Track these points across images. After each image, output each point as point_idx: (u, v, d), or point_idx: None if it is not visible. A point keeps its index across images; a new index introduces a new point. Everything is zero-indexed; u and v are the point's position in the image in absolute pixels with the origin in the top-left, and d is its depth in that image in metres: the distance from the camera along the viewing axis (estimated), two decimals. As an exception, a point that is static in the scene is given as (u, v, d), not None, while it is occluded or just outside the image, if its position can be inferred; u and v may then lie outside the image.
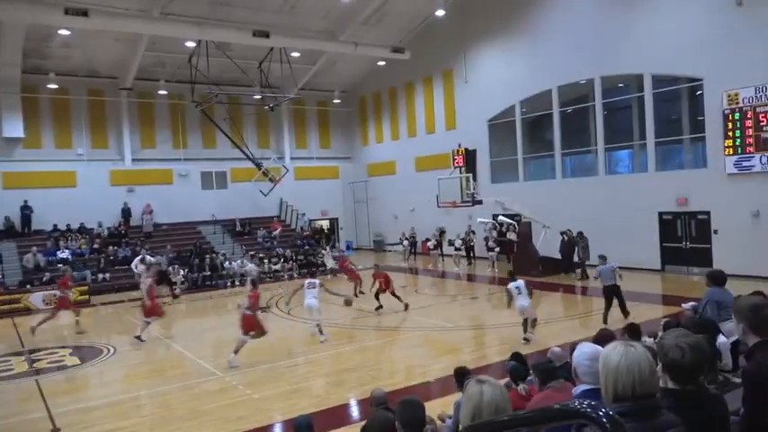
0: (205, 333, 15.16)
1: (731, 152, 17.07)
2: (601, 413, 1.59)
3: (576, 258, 19.78)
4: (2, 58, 22.24)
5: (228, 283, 22.56)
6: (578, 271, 19.71)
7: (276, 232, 27.03)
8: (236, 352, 10.98)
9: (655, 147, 19.44)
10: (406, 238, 26.79)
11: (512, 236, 23.06)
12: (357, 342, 12.81)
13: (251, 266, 19.79)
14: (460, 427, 2.36)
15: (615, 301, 12.89)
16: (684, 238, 18.88)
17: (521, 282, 11.80)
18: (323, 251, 25.86)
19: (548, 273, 19.50)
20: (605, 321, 12.32)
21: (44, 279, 20.45)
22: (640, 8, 19.13)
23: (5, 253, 22.07)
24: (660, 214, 19.27)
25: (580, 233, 19.33)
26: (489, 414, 2.24)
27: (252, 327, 11.31)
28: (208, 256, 23.29)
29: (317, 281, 13.58)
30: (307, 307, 13.14)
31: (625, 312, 12.80)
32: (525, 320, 11.76)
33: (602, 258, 13.46)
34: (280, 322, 15.44)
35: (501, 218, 22.18)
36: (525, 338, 11.50)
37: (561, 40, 21.57)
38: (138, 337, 13.31)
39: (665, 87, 19.46)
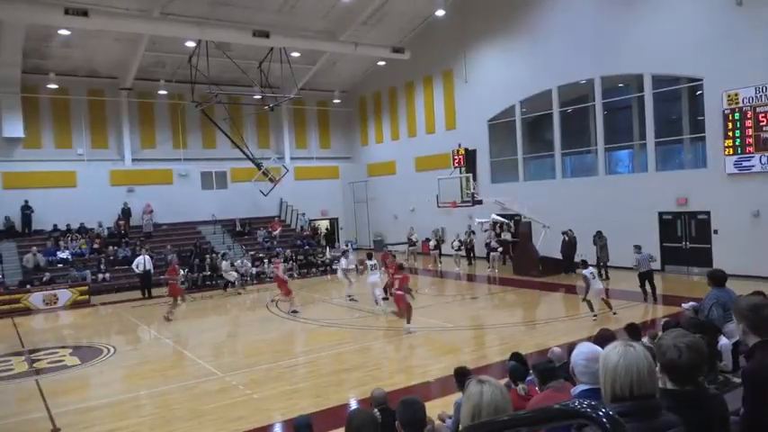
0: (205, 333, 15.16)
1: (731, 152, 17.07)
2: (601, 413, 1.59)
3: (577, 258, 19.78)
4: (2, 58, 22.24)
5: (228, 284, 22.55)
6: (576, 270, 19.70)
7: (276, 232, 27.03)
8: (408, 321, 13.09)
9: (655, 147, 19.44)
10: (412, 236, 26.74)
11: (506, 236, 23.04)
12: (357, 342, 12.81)
13: (351, 258, 19.89)
14: (460, 427, 2.36)
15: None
16: (684, 238, 18.88)
17: (591, 268, 13.24)
18: (344, 246, 25.48)
19: (548, 273, 19.51)
20: (646, 300, 14.68)
21: (44, 279, 20.44)
22: (640, 8, 19.14)
23: (5, 253, 22.08)
24: (660, 214, 19.27)
25: (599, 233, 18.97)
26: (489, 414, 2.24)
27: (400, 303, 13.45)
28: (208, 256, 23.29)
29: (376, 261, 16.04)
30: (369, 283, 15.73)
31: (654, 296, 14.77)
32: (589, 301, 13.13)
33: (638, 248, 15.15)
34: (280, 322, 15.46)
35: (494, 216, 22.18)
36: (595, 316, 12.98)
37: (561, 40, 21.58)
38: (295, 311, 16.04)
39: (665, 87, 19.46)
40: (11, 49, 21.89)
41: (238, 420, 8.18)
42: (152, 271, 21.13)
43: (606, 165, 21.33)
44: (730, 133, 17.07)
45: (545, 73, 22.25)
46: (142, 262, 20.73)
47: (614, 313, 13.19)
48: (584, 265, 13.65)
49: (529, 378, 5.67)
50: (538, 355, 9.57)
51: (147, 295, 20.56)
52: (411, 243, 26.34)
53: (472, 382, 2.38)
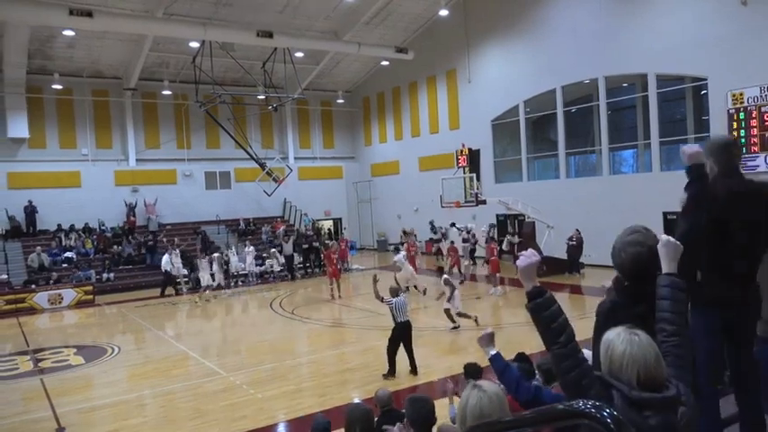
0: (209, 332, 15.18)
1: (735, 152, 16.99)
2: (605, 413, 1.59)
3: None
4: (7, 59, 22.36)
5: (232, 284, 22.60)
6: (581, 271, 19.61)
7: (279, 231, 27.06)
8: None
9: (659, 146, 19.39)
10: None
11: (513, 239, 22.97)
12: (361, 342, 12.81)
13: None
14: (459, 428, 2.38)
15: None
16: (688, 237, 18.80)
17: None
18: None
19: (552, 273, 19.44)
20: None
21: (52, 279, 20.45)
22: (644, 7, 19.09)
23: (11, 253, 22.16)
24: (665, 214, 19.20)
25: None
26: (473, 418, 2.28)
27: None
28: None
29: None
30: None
31: None
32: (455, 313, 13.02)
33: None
34: (284, 322, 15.47)
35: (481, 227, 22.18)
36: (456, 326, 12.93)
37: (565, 39, 21.55)
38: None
39: (669, 87, 19.41)
40: (16, 50, 21.99)
41: (242, 420, 8.19)
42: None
43: (610, 165, 21.28)
44: (735, 133, 16.99)
45: (548, 73, 22.21)
46: (168, 260, 20.62)
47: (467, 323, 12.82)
48: (441, 272, 13.43)
49: (535, 382, 5.65)
50: (542, 354, 9.54)
51: (173, 293, 20.55)
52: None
53: (468, 386, 2.42)
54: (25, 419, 8.82)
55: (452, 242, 21.14)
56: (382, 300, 10.05)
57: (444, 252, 23.69)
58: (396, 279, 15.79)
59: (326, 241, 23.77)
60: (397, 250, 19.07)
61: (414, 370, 9.79)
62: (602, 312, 2.77)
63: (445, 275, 13.45)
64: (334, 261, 19.07)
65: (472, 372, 6.06)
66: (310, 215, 29.72)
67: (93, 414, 8.92)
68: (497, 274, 17.38)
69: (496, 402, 2.29)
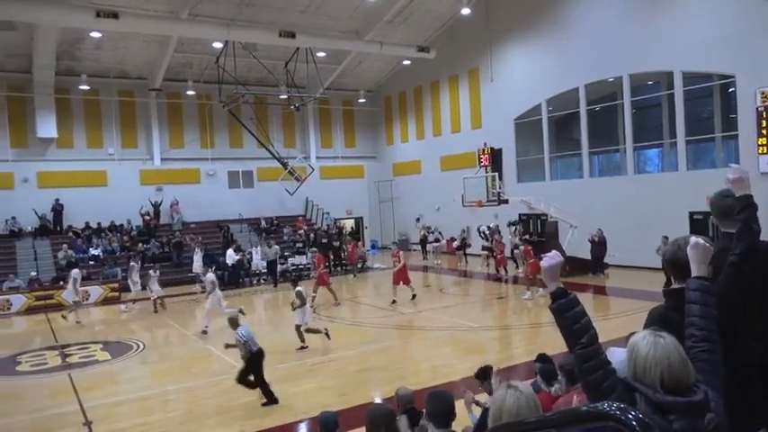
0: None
1: (765, 150, 16.65)
2: (630, 415, 1.57)
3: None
4: (36, 62, 22.85)
5: (254, 282, 22.80)
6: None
7: (301, 231, 27.24)
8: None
9: (686, 145, 19.06)
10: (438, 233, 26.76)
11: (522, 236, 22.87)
12: (381, 341, 12.82)
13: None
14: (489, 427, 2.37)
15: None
16: (716, 238, 18.33)
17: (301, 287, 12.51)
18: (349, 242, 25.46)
19: (575, 273, 19.25)
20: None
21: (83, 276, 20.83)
22: (669, 3, 18.78)
23: (40, 250, 22.63)
24: (691, 214, 18.88)
25: (665, 238, 16.27)
26: (510, 418, 2.27)
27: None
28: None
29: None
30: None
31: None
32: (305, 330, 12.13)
33: (666, 238, 15.24)
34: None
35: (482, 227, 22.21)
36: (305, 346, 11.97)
37: (588, 37, 21.29)
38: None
39: (696, 84, 19.07)
40: (45, 53, 22.46)
41: (265, 417, 8.27)
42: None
43: (635, 164, 20.99)
44: (764, 131, 16.65)
45: (572, 71, 21.98)
46: (231, 254, 21.55)
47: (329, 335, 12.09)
48: (296, 284, 12.45)
49: (557, 384, 5.61)
50: (565, 355, 9.45)
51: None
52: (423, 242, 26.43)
53: (503, 385, 2.41)
54: (54, 413, 9.02)
55: (500, 238, 20.85)
56: (227, 346, 9.31)
57: (464, 258, 23.76)
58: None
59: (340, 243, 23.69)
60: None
61: (271, 401, 8.73)
62: (654, 319, 2.73)
63: (299, 288, 12.10)
64: (320, 266, 17.86)
65: (483, 374, 6.00)
66: (332, 214, 29.84)
67: (119, 409, 9.08)
68: (536, 276, 16.82)
69: (533, 404, 2.31)
